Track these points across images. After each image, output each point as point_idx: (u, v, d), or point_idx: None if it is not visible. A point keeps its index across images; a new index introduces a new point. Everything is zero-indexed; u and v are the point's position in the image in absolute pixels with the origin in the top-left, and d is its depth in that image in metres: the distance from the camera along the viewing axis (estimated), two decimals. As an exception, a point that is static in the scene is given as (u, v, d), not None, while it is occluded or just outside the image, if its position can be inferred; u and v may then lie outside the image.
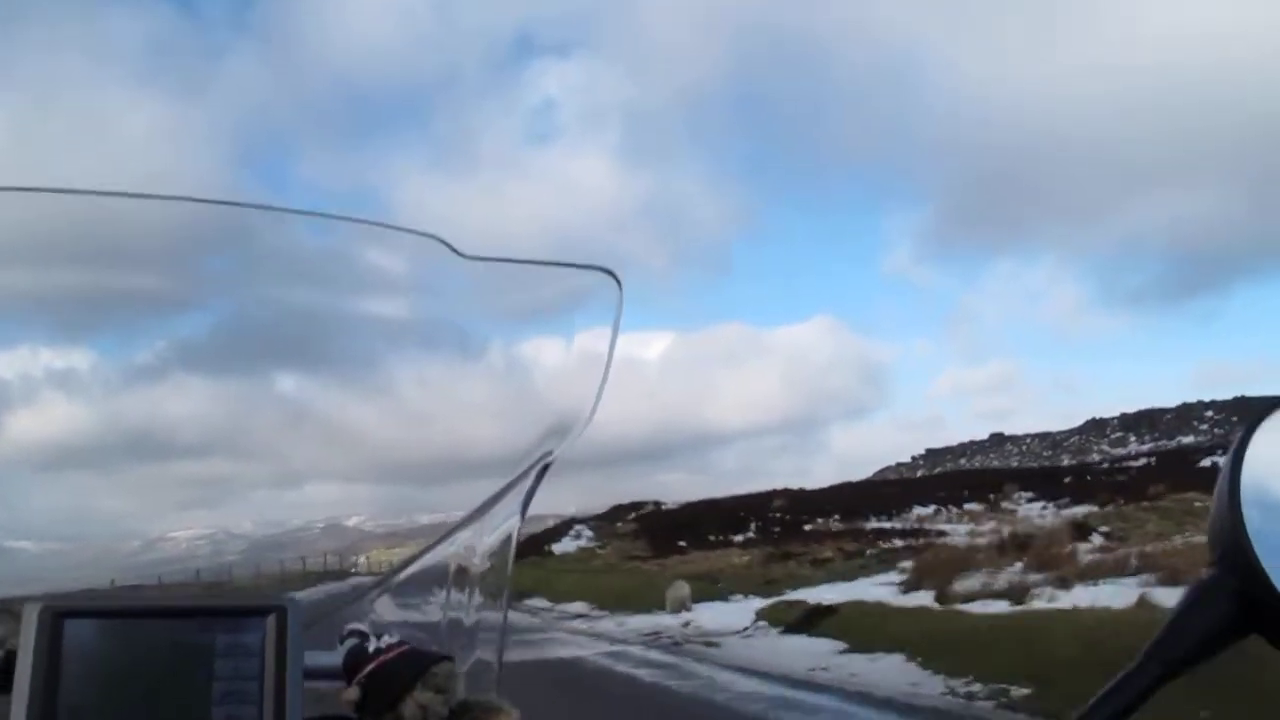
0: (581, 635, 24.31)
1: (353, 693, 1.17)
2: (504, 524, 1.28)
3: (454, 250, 1.17)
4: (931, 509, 47.83)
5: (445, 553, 1.30)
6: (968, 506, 49.71)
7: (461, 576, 1.31)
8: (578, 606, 33.42)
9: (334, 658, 1.20)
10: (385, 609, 1.33)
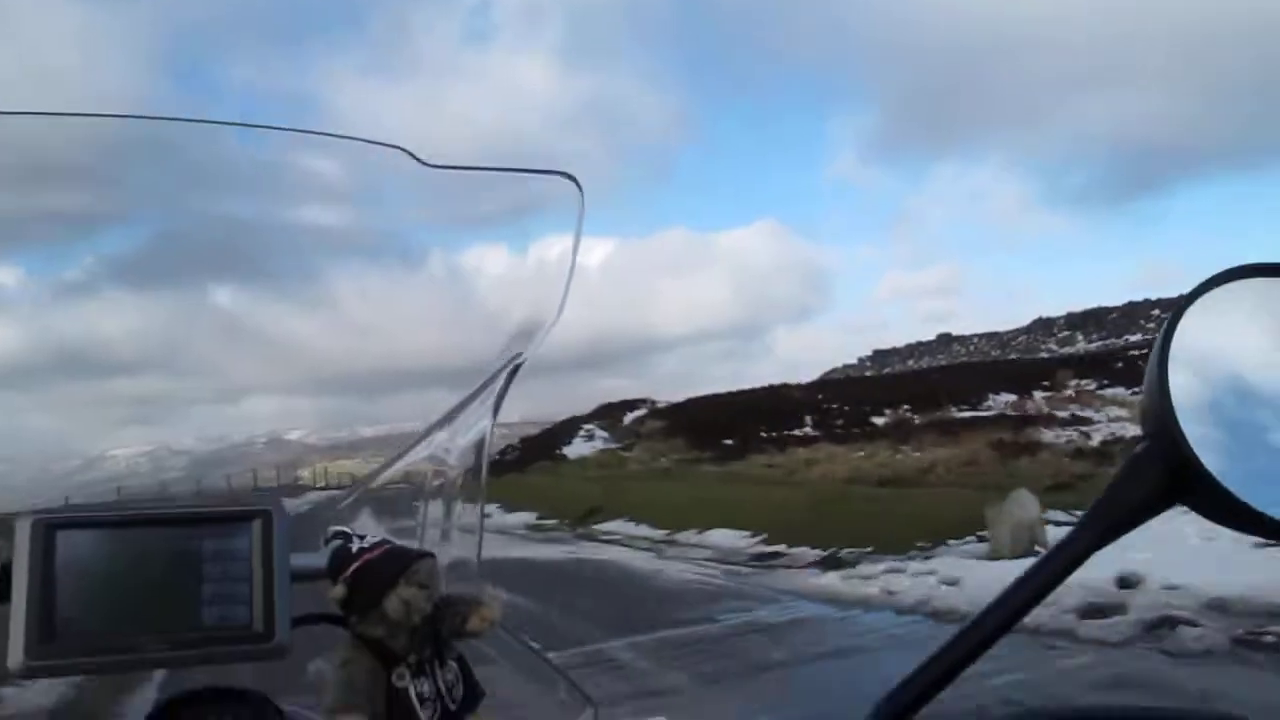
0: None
1: (338, 591, 1.21)
2: (476, 425, 1.32)
3: (418, 160, 1.18)
4: (1012, 397, 40.76)
5: (421, 455, 1.33)
6: (1053, 394, 41.26)
7: (440, 477, 1.35)
8: (730, 538, 20.45)
9: (319, 559, 1.24)
10: (366, 512, 1.36)
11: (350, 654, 1.22)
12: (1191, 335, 0.87)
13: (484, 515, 1.34)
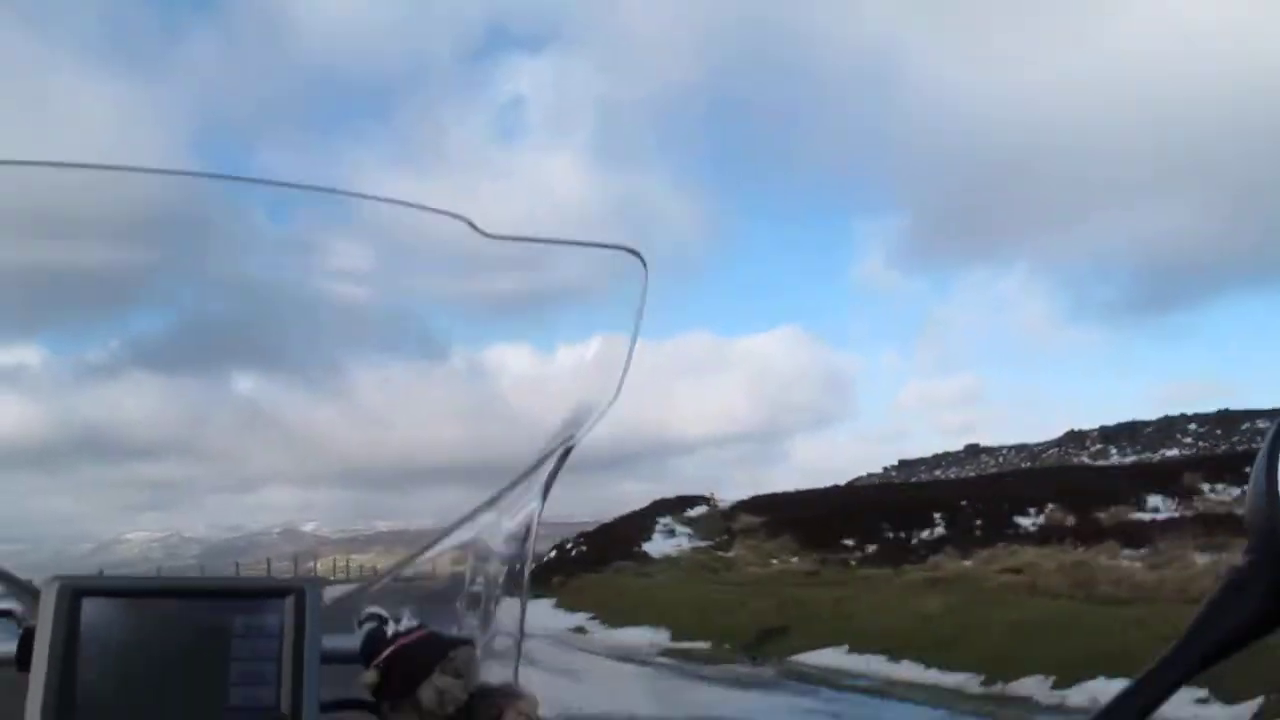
0: None
1: (371, 676, 1.15)
2: (525, 509, 1.27)
3: (477, 230, 1.16)
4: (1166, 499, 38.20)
5: (465, 538, 1.28)
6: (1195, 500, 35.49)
7: (482, 562, 1.30)
8: (1037, 688, 14.18)
9: (352, 641, 1.18)
10: (405, 594, 1.31)
11: None
12: None
13: (526, 604, 1.29)
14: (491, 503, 1.26)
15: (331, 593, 1.19)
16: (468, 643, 1.18)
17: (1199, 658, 0.77)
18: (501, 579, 1.28)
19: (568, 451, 1.25)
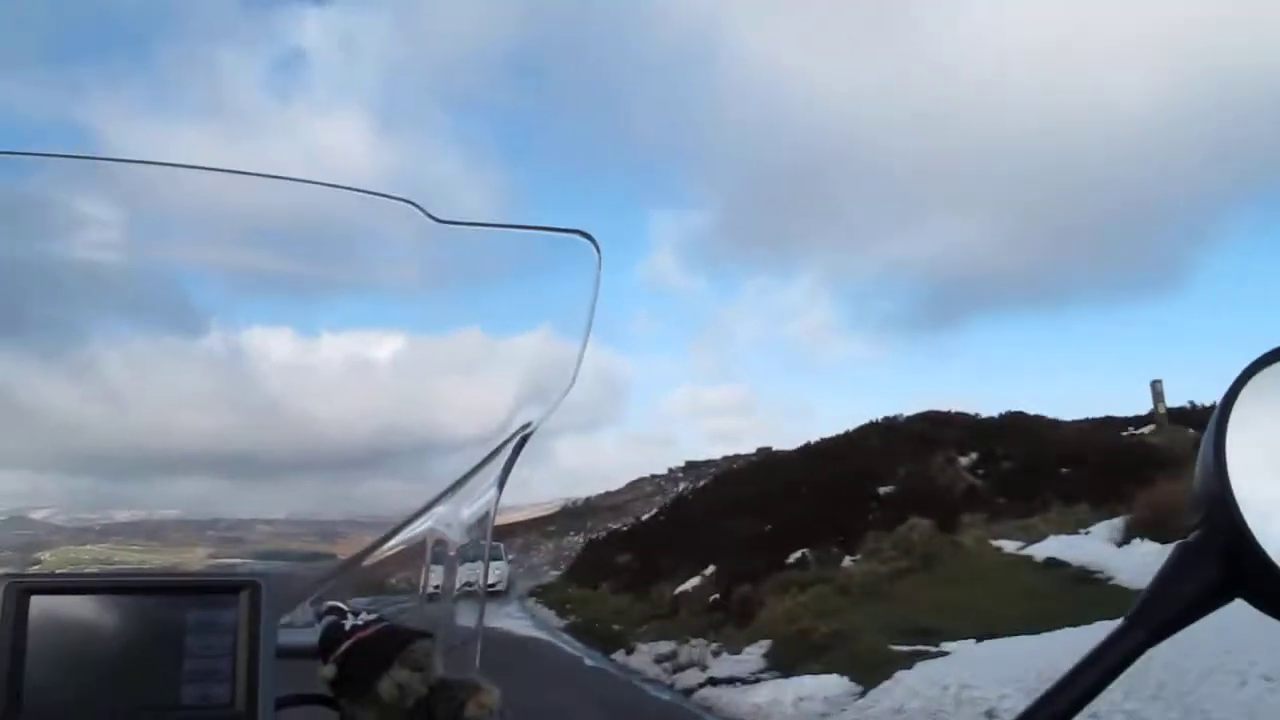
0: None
1: (329, 671, 1.14)
2: (482, 498, 1.25)
3: (427, 215, 1.13)
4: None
5: (423, 528, 1.27)
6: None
7: (440, 553, 1.28)
8: None
9: (310, 635, 1.17)
10: (363, 586, 1.30)
11: None
12: (1247, 413, 0.79)
13: (486, 594, 1.27)
14: (449, 493, 1.24)
15: (286, 587, 1.18)
16: (427, 635, 1.17)
17: (1148, 632, 0.77)
18: (460, 570, 1.27)
19: (524, 440, 1.23)
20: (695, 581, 25.16)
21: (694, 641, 16.76)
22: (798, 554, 23.33)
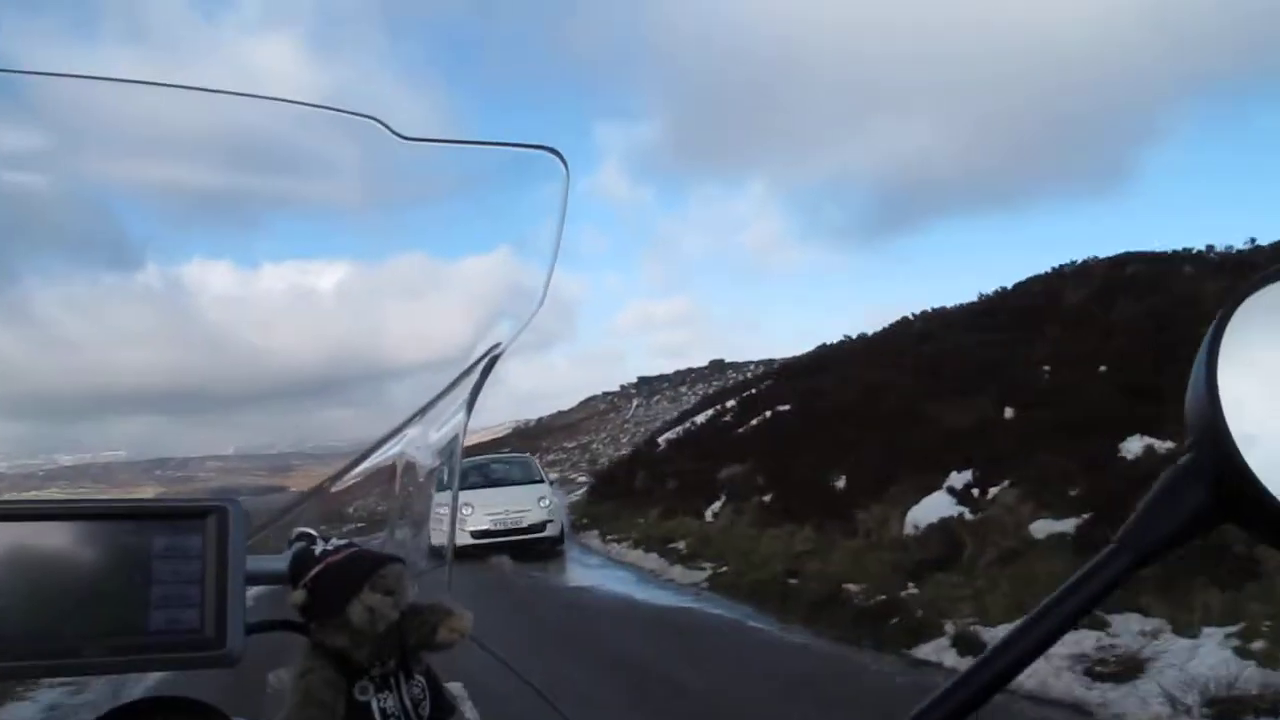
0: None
1: (299, 596, 1.13)
2: (451, 421, 1.24)
3: (392, 132, 1.10)
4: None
5: (392, 452, 1.25)
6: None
7: (409, 477, 1.27)
8: None
9: (280, 561, 1.16)
10: (333, 512, 1.28)
11: (309, 664, 1.13)
12: (1242, 336, 0.77)
13: (456, 518, 1.26)
14: (417, 417, 1.22)
15: (255, 513, 1.15)
16: (397, 560, 1.16)
17: (1135, 556, 0.76)
18: (430, 493, 1.26)
19: (494, 361, 1.21)
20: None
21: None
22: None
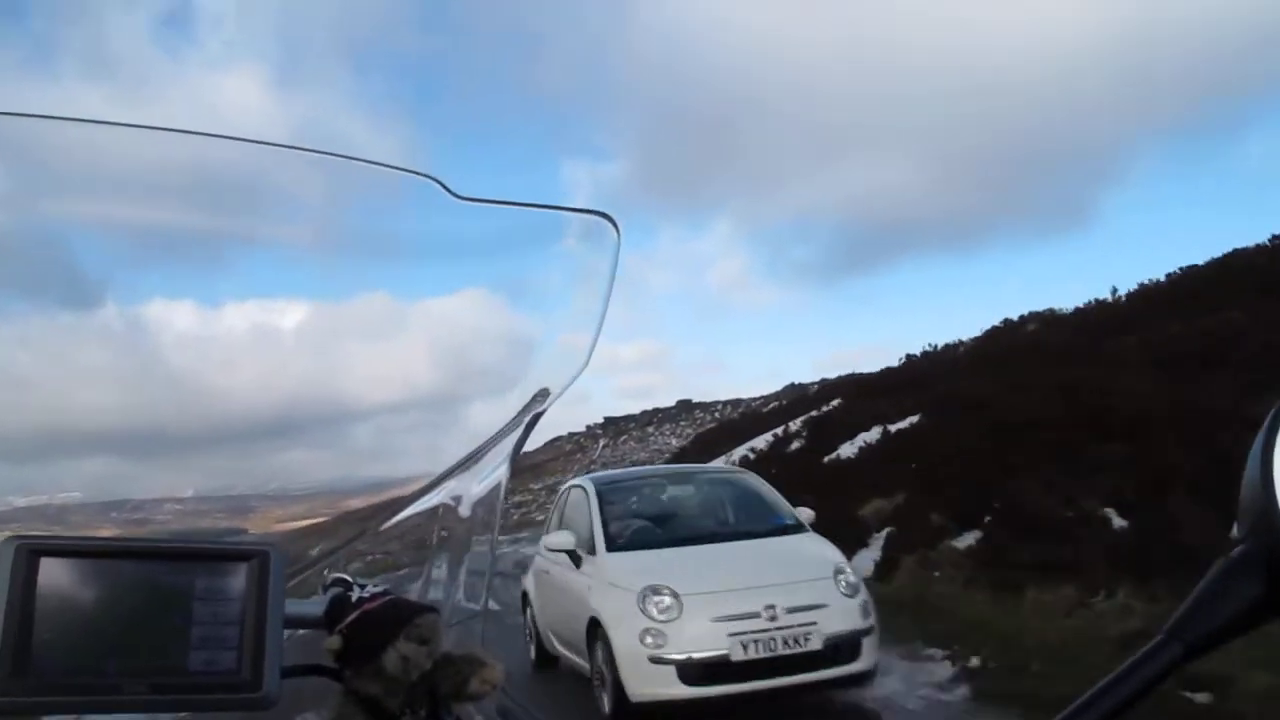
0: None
1: (334, 642, 1.14)
2: (493, 473, 1.25)
3: (448, 191, 1.13)
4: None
5: (432, 504, 1.27)
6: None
7: (448, 528, 1.28)
8: None
9: (317, 606, 1.17)
10: (371, 559, 1.30)
11: (342, 710, 1.14)
12: None
13: (493, 571, 1.27)
14: (459, 468, 1.24)
15: (295, 557, 1.17)
16: (433, 610, 1.17)
17: (1186, 647, 0.74)
18: (468, 546, 1.27)
19: (537, 417, 1.23)
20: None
21: None
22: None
